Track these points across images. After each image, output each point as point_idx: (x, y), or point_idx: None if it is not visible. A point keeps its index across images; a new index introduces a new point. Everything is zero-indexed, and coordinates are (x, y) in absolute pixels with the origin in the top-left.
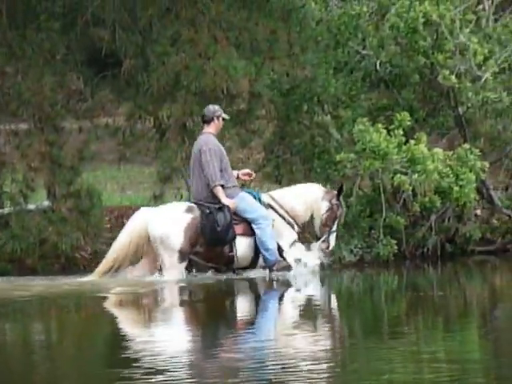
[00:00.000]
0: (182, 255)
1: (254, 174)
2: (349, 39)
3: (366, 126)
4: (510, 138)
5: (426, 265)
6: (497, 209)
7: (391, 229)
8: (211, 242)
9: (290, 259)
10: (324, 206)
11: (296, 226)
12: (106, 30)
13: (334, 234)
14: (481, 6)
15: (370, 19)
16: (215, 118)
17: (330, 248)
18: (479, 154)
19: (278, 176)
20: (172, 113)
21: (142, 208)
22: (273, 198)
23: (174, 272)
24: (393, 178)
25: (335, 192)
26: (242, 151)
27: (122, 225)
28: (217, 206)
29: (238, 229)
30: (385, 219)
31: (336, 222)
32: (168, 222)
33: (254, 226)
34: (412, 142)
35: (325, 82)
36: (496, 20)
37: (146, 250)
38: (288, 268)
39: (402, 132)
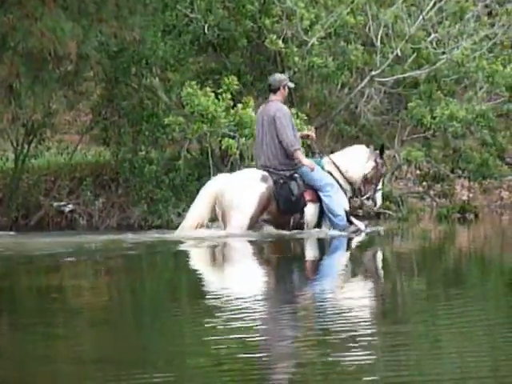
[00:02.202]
0: (251, 222)
1: (313, 134)
2: (177, 2)
3: (195, 90)
4: (335, 103)
5: None
6: None
7: None
8: (285, 211)
9: (357, 223)
10: (370, 166)
11: (349, 192)
12: None
13: (380, 192)
14: None
15: None
16: (281, 88)
17: (378, 206)
18: (305, 118)
19: (105, 138)
20: None
21: (218, 175)
22: (334, 163)
23: (237, 232)
24: (221, 141)
25: (377, 151)
26: (70, 113)
27: None
28: (287, 174)
29: (307, 195)
30: None
31: (381, 180)
32: (244, 190)
33: (321, 193)
34: (240, 105)
35: (153, 44)
36: None
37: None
38: (358, 231)
39: (229, 96)
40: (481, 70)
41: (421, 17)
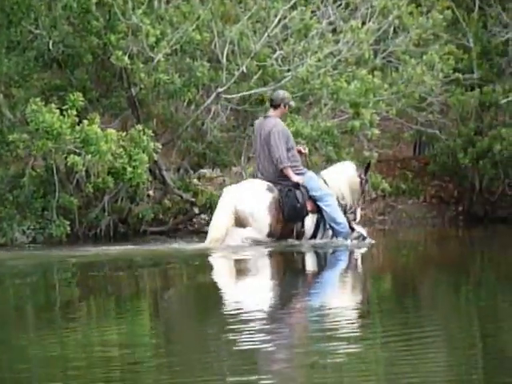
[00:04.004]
0: (271, 231)
1: (306, 150)
2: (22, 18)
3: (39, 106)
4: (181, 120)
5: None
6: (169, 189)
7: (64, 209)
8: (289, 219)
9: (359, 229)
10: (357, 181)
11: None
12: None
13: (360, 208)
14: None
15: None
16: (282, 105)
17: (357, 220)
18: (152, 135)
19: None
20: None
21: (228, 187)
22: (324, 181)
23: (257, 236)
24: (66, 158)
25: (363, 169)
26: None
27: None
28: (290, 184)
29: (308, 205)
30: (58, 200)
31: (362, 196)
32: (253, 201)
33: (320, 203)
34: (85, 122)
35: None
36: (168, 2)
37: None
38: (361, 237)
39: (75, 112)
40: (325, 87)
41: (266, 34)
